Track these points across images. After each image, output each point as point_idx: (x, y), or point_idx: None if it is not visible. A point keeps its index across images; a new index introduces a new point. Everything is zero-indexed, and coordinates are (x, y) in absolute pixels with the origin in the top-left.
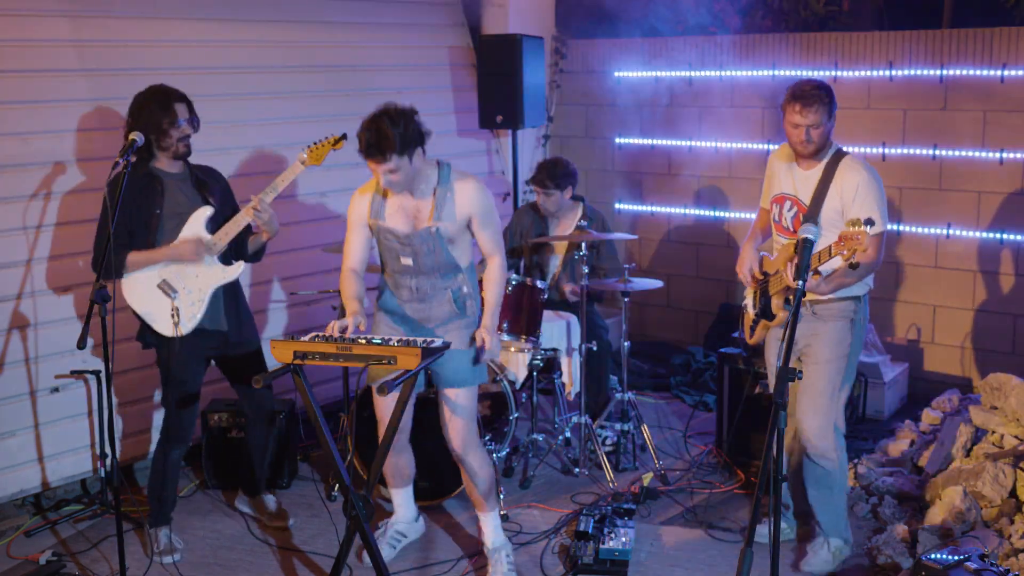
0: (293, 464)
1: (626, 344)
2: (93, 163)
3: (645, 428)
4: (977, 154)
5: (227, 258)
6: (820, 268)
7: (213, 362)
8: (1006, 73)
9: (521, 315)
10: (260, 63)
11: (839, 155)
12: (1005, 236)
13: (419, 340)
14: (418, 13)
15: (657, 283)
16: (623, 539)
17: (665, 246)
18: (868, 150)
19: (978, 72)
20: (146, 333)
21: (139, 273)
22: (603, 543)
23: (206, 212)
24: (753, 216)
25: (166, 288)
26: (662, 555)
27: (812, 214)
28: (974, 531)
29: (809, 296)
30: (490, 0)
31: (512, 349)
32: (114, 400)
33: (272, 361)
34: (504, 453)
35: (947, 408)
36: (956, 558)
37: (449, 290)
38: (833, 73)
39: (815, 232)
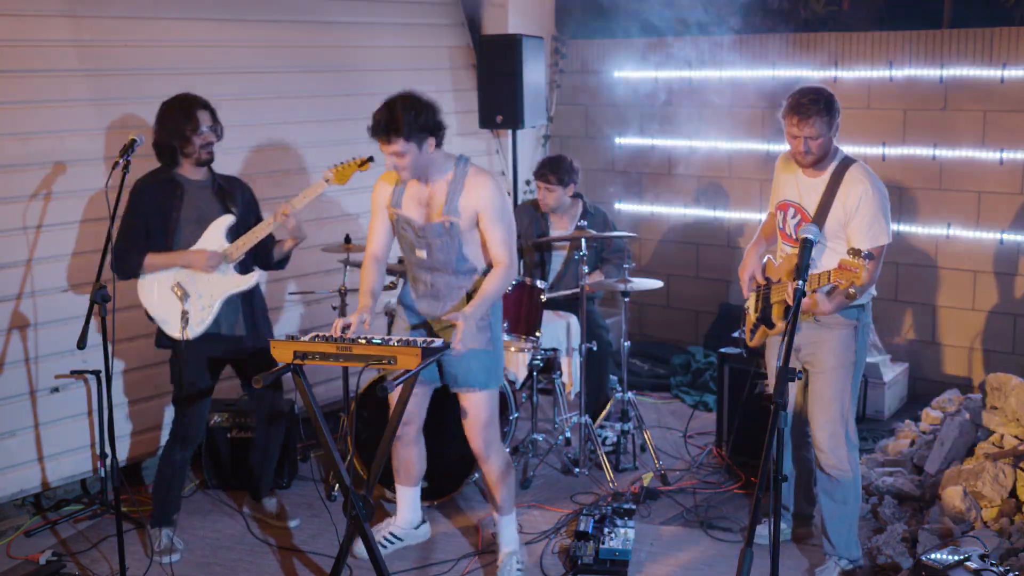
0: (293, 464)
1: (626, 344)
2: (93, 163)
3: (647, 432)
4: (977, 154)
5: (246, 266)
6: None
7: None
8: (1006, 73)
9: (521, 315)
10: (260, 63)
11: (845, 164)
12: (1005, 236)
13: (419, 340)
14: (418, 13)
15: (657, 283)
16: (623, 539)
17: (665, 246)
18: (868, 150)
19: (978, 72)
20: (161, 334)
21: (154, 275)
22: (603, 543)
23: (227, 220)
24: (753, 216)
25: (179, 292)
26: (662, 555)
27: (818, 224)
28: (974, 531)
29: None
30: (490, 0)
31: (512, 349)
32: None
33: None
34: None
35: (947, 408)
36: (956, 558)
37: (464, 290)
38: (833, 73)
39: (815, 232)
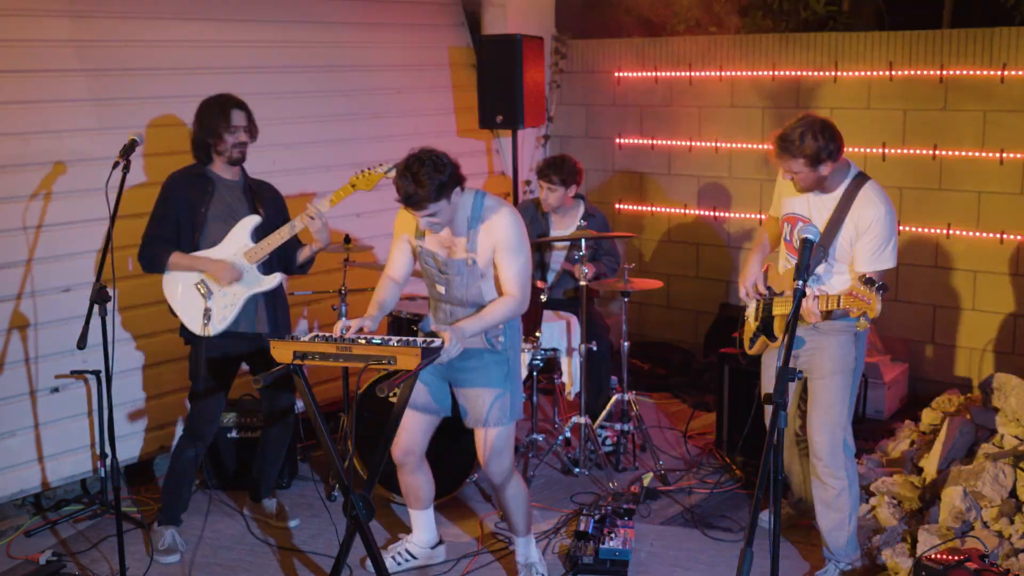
0: (293, 464)
1: (626, 344)
2: (93, 163)
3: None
4: (977, 154)
5: (270, 267)
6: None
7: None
8: (1006, 73)
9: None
10: (260, 63)
11: (858, 182)
12: (1005, 236)
13: (418, 340)
14: (418, 13)
15: (657, 283)
16: (623, 539)
17: (665, 246)
18: (868, 150)
19: (978, 72)
20: (183, 327)
21: (180, 272)
22: (603, 543)
23: (253, 220)
24: (753, 216)
25: (203, 289)
26: (662, 555)
27: (825, 243)
28: (974, 531)
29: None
30: (490, 0)
31: None
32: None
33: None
34: None
35: (947, 408)
36: (956, 558)
37: None
38: (833, 73)
39: (815, 232)
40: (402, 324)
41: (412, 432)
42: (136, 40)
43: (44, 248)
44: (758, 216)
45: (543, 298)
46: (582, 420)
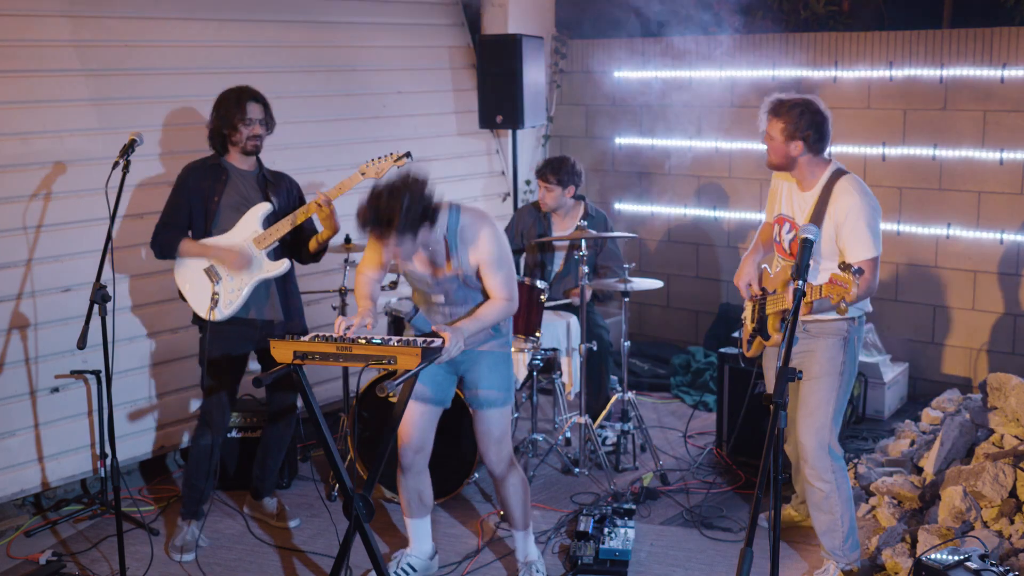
0: (293, 464)
1: (626, 344)
2: (93, 163)
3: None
4: (977, 154)
5: (280, 255)
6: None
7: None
8: (1006, 73)
9: (521, 315)
10: (260, 64)
11: (836, 176)
12: (1005, 236)
13: (419, 340)
14: (418, 13)
15: (657, 283)
16: (623, 539)
17: (665, 246)
18: (868, 150)
19: (978, 72)
20: (194, 312)
21: (190, 258)
22: (603, 543)
23: (264, 208)
24: (753, 216)
25: (212, 274)
26: (662, 555)
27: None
28: (974, 531)
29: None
30: (490, 0)
31: (512, 349)
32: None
33: None
34: None
35: (947, 408)
36: (956, 558)
37: None
38: (833, 73)
39: (815, 232)
40: (402, 324)
41: (422, 428)
42: (136, 40)
43: (44, 248)
44: (758, 216)
45: (543, 298)
46: (582, 420)
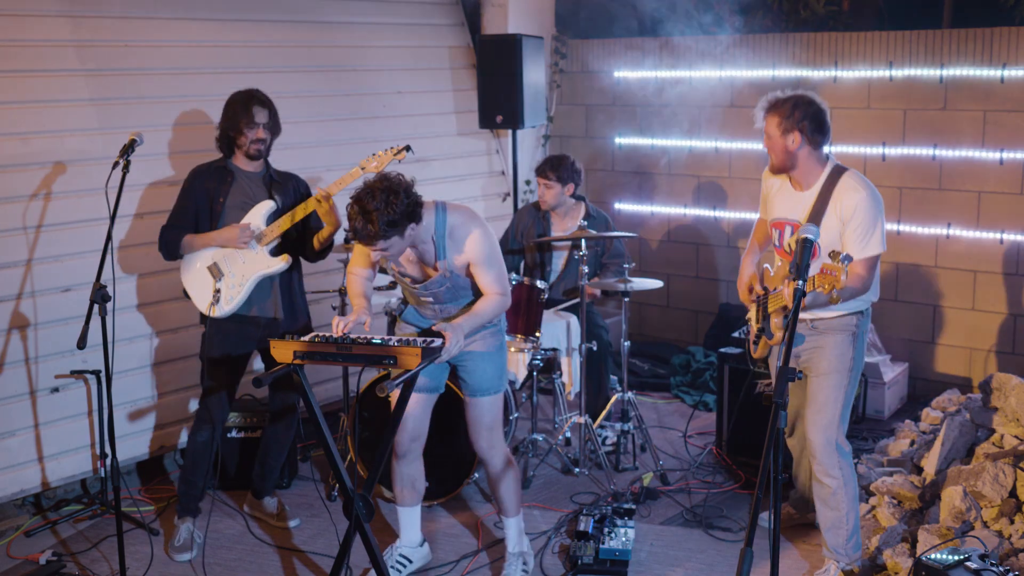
0: (293, 464)
1: (626, 344)
2: (93, 163)
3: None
4: (977, 154)
5: (281, 252)
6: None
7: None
8: (1006, 73)
9: (521, 315)
10: (260, 64)
11: (837, 173)
12: (1005, 236)
13: (418, 340)
14: (418, 13)
15: (657, 283)
16: (623, 539)
17: (665, 246)
18: (868, 150)
19: (978, 72)
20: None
21: (196, 255)
22: (603, 543)
23: (268, 205)
24: (753, 216)
25: (215, 270)
26: (662, 555)
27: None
28: (974, 531)
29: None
30: (490, 0)
31: (512, 349)
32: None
33: None
34: None
35: (947, 408)
36: (956, 558)
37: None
38: (833, 73)
39: (815, 232)
40: None
41: (417, 416)
42: (136, 40)
43: (44, 248)
44: (758, 216)
45: (543, 298)
46: (582, 420)
